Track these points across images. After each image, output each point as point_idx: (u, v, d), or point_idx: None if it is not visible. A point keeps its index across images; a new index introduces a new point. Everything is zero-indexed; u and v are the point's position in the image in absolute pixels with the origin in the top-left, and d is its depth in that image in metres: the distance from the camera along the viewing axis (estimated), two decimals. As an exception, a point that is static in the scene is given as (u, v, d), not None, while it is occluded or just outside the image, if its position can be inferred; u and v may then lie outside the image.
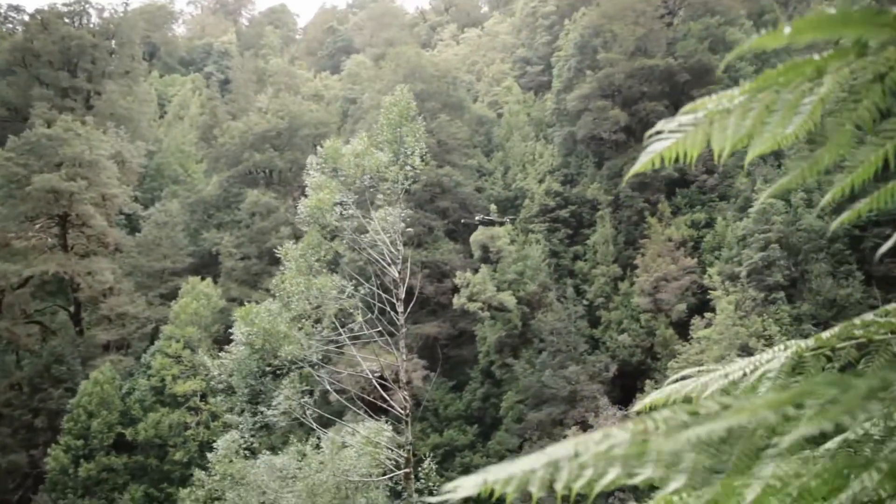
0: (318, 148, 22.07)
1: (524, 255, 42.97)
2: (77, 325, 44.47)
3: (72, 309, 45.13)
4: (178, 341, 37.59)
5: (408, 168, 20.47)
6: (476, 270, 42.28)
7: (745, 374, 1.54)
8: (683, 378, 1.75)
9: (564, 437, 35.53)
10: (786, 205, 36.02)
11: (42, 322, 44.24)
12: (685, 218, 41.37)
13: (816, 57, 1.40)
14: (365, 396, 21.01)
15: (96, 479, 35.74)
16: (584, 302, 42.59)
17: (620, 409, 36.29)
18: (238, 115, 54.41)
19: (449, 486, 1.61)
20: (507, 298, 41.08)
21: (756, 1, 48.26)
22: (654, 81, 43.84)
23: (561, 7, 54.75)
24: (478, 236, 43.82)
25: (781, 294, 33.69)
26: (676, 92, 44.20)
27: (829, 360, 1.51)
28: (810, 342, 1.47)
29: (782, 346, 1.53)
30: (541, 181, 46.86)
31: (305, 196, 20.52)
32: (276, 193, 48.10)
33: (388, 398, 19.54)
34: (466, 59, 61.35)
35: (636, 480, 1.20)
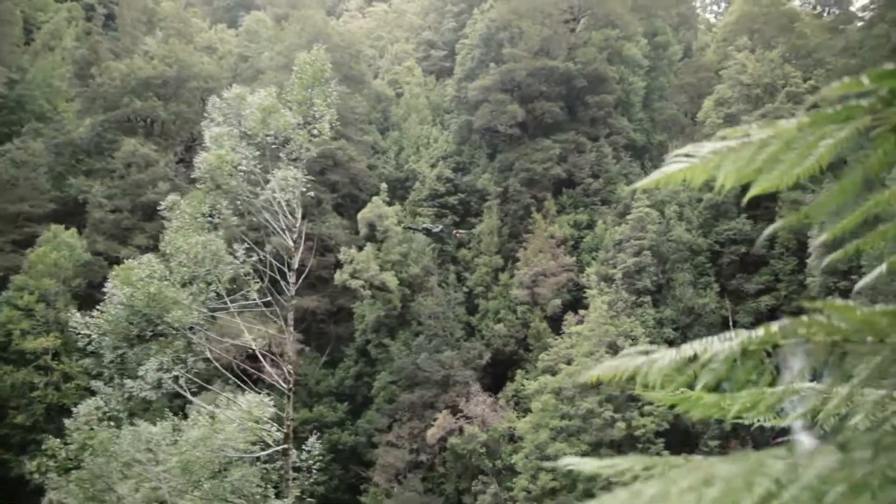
0: (209, 100, 20.64)
1: (409, 238, 43.13)
2: None
3: None
4: (31, 293, 34.48)
5: (314, 132, 19.80)
6: (361, 248, 41.96)
7: (692, 358, 1.65)
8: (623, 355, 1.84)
9: (435, 419, 36.33)
10: (660, 216, 38.49)
11: None
12: (568, 217, 43.17)
13: (852, 102, 1.52)
14: (245, 366, 20.27)
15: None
16: (465, 289, 43.47)
17: (491, 395, 37.51)
18: (121, 55, 50.35)
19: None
20: (390, 279, 41.13)
21: (651, 22, 50.91)
22: (552, 82, 45.19)
23: (471, -5, 55.02)
24: (366, 213, 43.43)
25: (649, 298, 36.07)
26: (573, 96, 45.88)
27: (769, 354, 1.63)
28: (759, 333, 1.59)
29: (726, 337, 1.64)
30: (433, 166, 47.14)
31: (201, 148, 19.35)
32: (157, 146, 45.11)
33: (267, 370, 18.98)
34: (371, 33, 60.31)
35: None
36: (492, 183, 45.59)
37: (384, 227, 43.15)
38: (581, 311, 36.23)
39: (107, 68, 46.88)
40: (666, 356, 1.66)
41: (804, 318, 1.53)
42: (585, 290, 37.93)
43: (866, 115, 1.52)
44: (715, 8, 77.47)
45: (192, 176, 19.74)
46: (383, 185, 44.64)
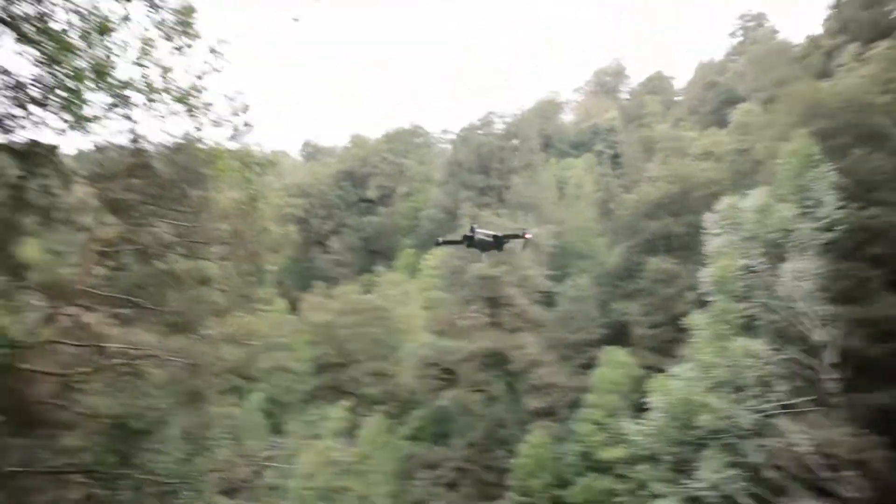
0: (712, 209, 21.86)
1: None
2: (513, 393, 50.52)
3: (507, 379, 51.57)
4: (600, 409, 39.90)
5: (819, 218, 19.10)
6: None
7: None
8: None
9: None
10: None
11: (486, 390, 51.37)
12: None
13: None
14: (806, 475, 19.34)
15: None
16: None
17: None
18: (630, 186, 56.74)
19: None
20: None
21: None
22: None
23: None
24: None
25: None
26: None
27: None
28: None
29: None
30: None
31: (704, 263, 20.58)
32: (676, 259, 48.27)
33: (842, 477, 17.76)
34: (877, 78, 53.62)
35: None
36: None
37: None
38: None
39: (622, 201, 53.32)
40: None
41: None
42: None
43: None
44: None
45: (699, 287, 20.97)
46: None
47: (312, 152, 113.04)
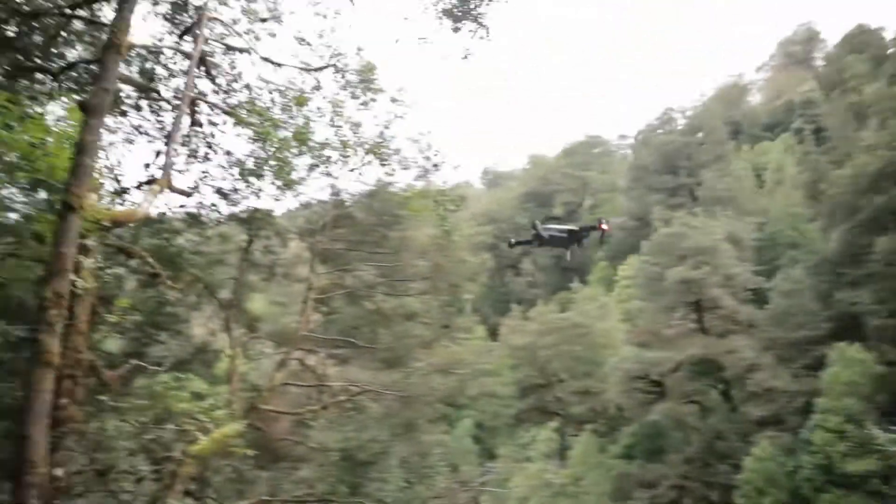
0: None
1: None
2: (729, 402, 47.02)
3: (721, 387, 48.15)
4: (836, 414, 35.74)
5: None
6: None
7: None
8: None
9: None
10: None
11: (699, 401, 48.37)
12: None
13: None
14: None
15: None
16: None
17: None
18: (841, 161, 50.87)
19: None
20: None
21: None
22: None
23: None
24: None
25: None
26: None
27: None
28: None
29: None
30: None
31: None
32: (914, 234, 42.18)
33: None
34: None
35: None
36: None
37: None
38: None
39: (833, 179, 47.93)
40: None
41: None
42: None
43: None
44: None
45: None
46: None
47: (493, 179, 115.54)
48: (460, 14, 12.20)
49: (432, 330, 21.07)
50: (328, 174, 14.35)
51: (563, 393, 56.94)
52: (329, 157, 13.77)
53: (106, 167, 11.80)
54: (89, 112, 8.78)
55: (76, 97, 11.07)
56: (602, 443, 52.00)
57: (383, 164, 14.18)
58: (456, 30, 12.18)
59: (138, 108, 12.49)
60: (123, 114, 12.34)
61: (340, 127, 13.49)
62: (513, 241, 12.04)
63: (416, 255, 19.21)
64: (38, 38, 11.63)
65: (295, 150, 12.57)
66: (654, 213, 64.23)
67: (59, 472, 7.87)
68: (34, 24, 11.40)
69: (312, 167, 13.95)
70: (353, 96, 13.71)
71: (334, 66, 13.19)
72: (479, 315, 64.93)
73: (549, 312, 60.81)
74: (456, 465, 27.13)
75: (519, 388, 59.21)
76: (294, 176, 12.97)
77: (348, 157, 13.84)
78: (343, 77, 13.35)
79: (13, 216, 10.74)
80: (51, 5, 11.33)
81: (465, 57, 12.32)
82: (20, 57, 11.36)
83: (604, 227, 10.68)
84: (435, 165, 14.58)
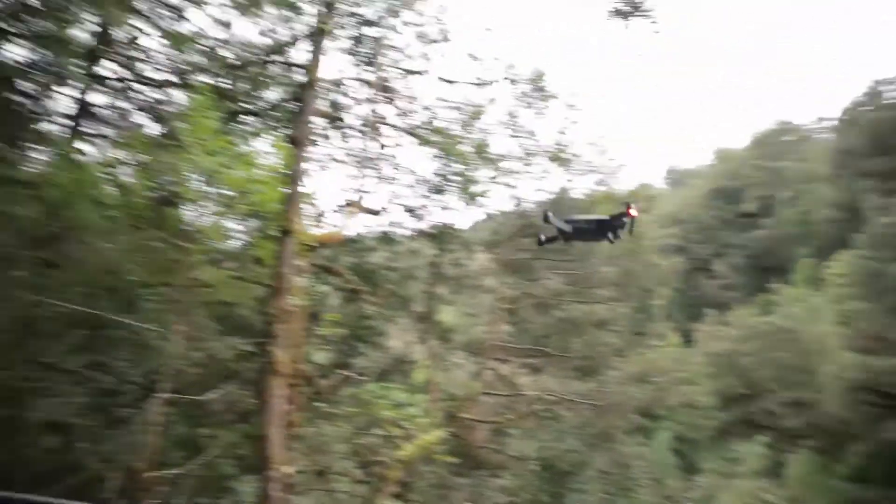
0: None
1: None
2: None
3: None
4: None
5: None
6: None
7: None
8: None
9: None
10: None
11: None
12: None
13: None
14: None
15: None
16: None
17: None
18: None
19: None
20: None
21: None
22: None
23: None
24: None
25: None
26: None
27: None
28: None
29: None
30: None
31: None
32: None
33: None
34: None
35: None
36: None
37: None
38: None
39: None
40: None
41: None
42: None
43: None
44: None
45: None
46: None
47: (677, 178, 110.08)
48: (629, 10, 11.82)
49: (624, 337, 20.42)
50: (509, 184, 14.52)
51: (772, 404, 52.21)
52: (509, 168, 13.96)
53: (306, 193, 12.90)
54: (296, 144, 9.69)
55: (275, 133, 12.23)
56: (825, 461, 46.76)
57: (563, 170, 14.09)
58: (626, 27, 11.80)
59: (326, 136, 13.53)
60: (315, 143, 13.46)
61: (518, 136, 13.64)
62: (542, 237, 10.83)
63: (604, 260, 18.77)
64: (243, 85, 13.03)
65: (475, 164, 12.91)
66: (867, 201, 57.19)
67: (290, 469, 8.67)
68: (241, 73, 12.82)
69: (493, 179, 14.21)
70: (528, 105, 13.80)
71: (506, 77, 13.38)
72: (672, 321, 61.80)
73: (750, 316, 56.16)
74: (658, 478, 25.80)
75: (720, 399, 55.26)
76: (476, 189, 13.29)
77: (529, 165, 13.93)
78: (516, 87, 13.50)
79: (234, 244, 12.02)
80: (252, 56, 12.68)
81: (638, 54, 11.93)
82: (230, 104, 12.82)
83: (632, 212, 9.51)
84: (616, 168, 14.23)
